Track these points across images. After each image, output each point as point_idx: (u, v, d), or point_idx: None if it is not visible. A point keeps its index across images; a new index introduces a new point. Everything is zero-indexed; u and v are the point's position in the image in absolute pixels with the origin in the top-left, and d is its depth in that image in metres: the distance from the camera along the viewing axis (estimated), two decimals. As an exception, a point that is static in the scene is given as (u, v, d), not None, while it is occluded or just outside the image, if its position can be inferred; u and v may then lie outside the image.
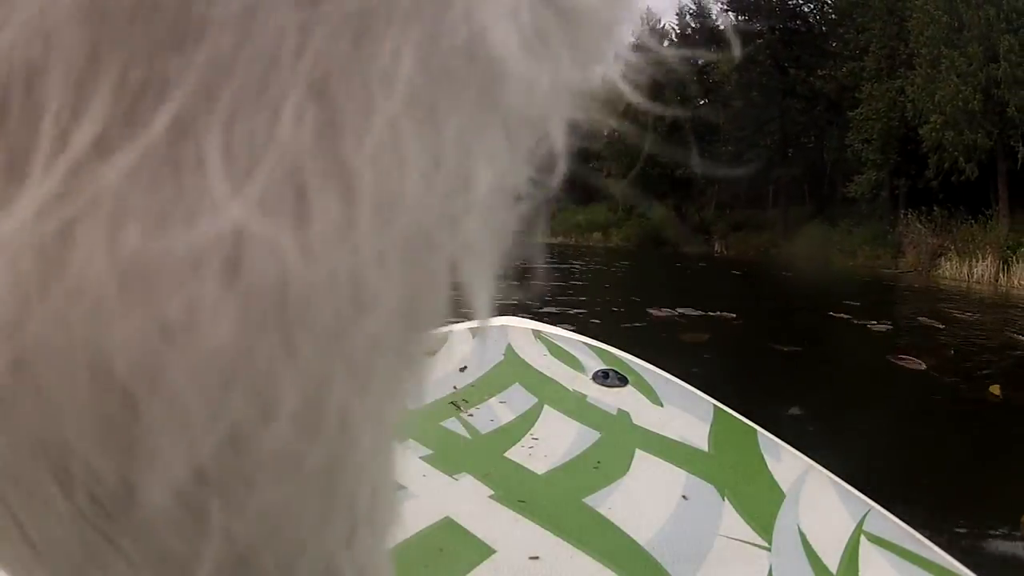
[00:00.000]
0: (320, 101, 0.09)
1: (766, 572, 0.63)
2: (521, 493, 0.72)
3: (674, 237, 25.76)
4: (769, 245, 20.96)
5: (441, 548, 0.62)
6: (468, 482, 0.74)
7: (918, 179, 16.85)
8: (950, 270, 13.88)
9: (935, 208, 15.34)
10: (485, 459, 0.79)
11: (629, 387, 1.03)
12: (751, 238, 22.30)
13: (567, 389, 1.01)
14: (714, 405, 1.01)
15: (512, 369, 1.05)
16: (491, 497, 0.71)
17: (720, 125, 24.70)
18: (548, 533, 0.65)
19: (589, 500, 0.72)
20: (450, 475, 0.75)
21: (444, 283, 0.12)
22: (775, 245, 20.81)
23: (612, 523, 0.68)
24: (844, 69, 19.49)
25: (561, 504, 0.71)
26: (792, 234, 21.35)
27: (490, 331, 1.16)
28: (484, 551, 0.62)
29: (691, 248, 24.84)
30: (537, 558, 0.61)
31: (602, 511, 0.70)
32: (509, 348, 1.12)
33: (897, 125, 17.31)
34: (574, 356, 1.13)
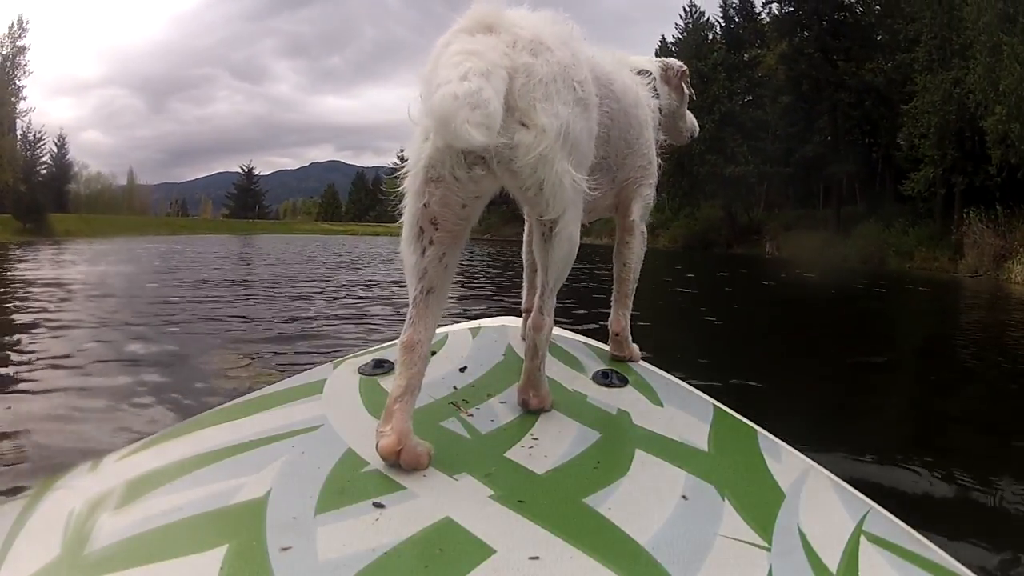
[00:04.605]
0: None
1: (766, 572, 0.63)
2: (521, 493, 0.72)
3: (724, 238, 25.20)
4: (824, 246, 20.29)
5: (441, 548, 0.62)
6: (468, 482, 0.74)
7: (975, 176, 15.98)
8: (1020, 273, 13.20)
9: (996, 206, 14.61)
10: (485, 459, 0.79)
11: (629, 387, 1.03)
12: (803, 239, 21.62)
13: (567, 389, 1.01)
14: (714, 405, 1.01)
15: (512, 369, 1.05)
16: (491, 497, 0.71)
17: (768, 121, 23.97)
18: (548, 533, 0.65)
19: (589, 500, 0.72)
20: (450, 475, 0.75)
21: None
22: (830, 246, 20.12)
23: (612, 523, 0.68)
24: (892, 62, 18.71)
25: (561, 504, 0.71)
26: (845, 234, 20.59)
27: (490, 331, 1.19)
28: (484, 551, 0.61)
29: (741, 249, 24.18)
30: (537, 558, 0.61)
31: (602, 511, 0.70)
32: (509, 348, 1.13)
33: (954, 119, 16.50)
34: (574, 356, 1.13)
